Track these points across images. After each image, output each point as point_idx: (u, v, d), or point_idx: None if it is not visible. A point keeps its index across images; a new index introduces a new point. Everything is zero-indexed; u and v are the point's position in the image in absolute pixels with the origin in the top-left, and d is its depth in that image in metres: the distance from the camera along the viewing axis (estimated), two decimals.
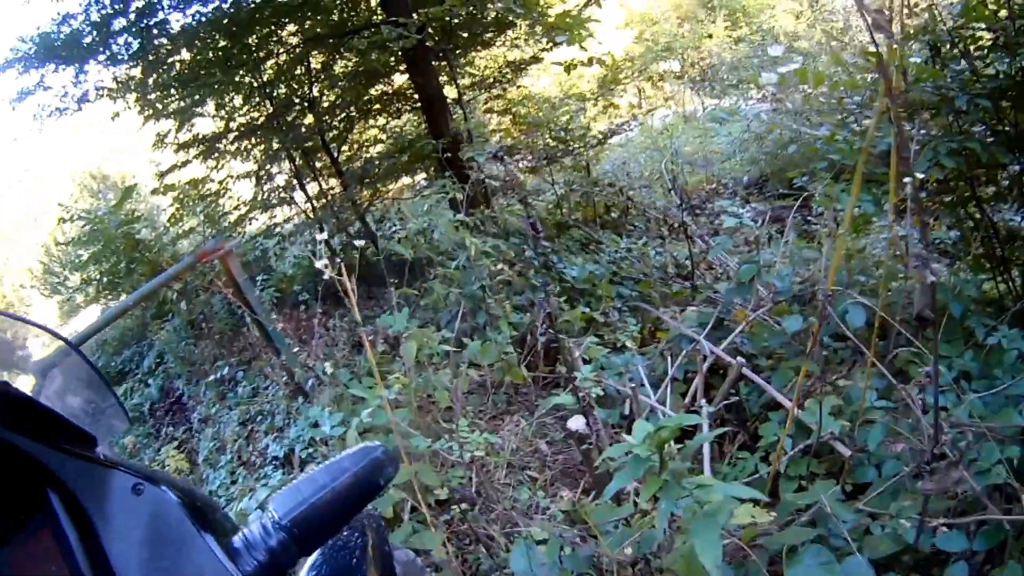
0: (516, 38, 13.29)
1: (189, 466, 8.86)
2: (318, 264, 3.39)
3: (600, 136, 12.55)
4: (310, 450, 6.69)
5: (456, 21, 11.68)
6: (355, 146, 14.40)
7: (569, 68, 10.16)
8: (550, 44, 12.35)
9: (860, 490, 4.26)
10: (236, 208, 13.58)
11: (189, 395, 10.91)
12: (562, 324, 7.08)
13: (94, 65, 11.23)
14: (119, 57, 11.23)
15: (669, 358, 6.18)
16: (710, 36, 23.30)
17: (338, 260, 3.82)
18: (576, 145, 12.48)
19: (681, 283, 8.76)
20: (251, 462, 7.85)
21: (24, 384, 1.73)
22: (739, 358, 5.13)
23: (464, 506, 4.83)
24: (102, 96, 11.43)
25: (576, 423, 4.75)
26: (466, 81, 13.12)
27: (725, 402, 5.21)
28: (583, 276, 8.07)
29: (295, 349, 8.04)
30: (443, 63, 11.96)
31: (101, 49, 10.97)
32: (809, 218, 9.97)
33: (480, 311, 7.30)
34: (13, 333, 1.83)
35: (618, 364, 6.19)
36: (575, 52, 10.89)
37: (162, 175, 12.93)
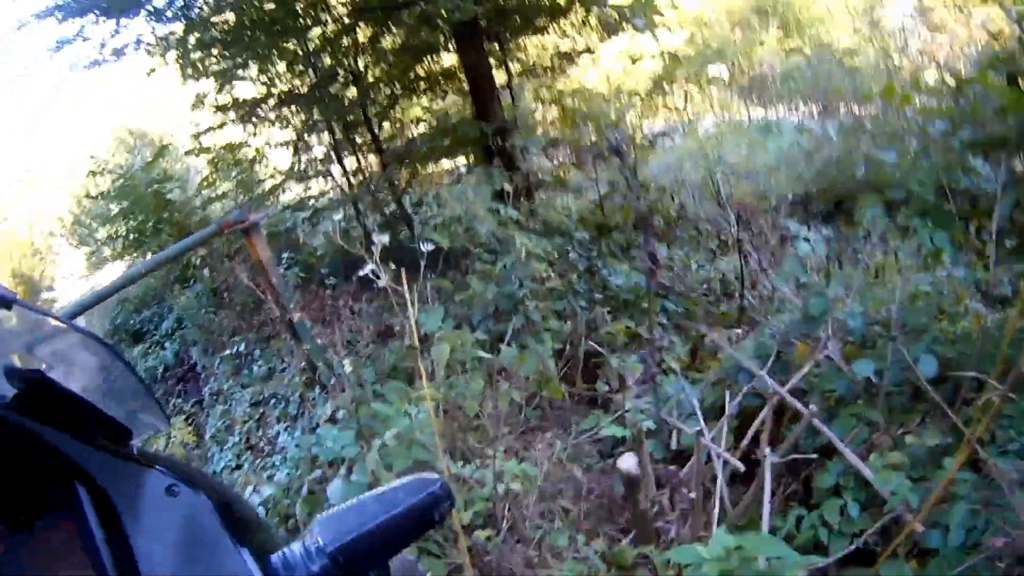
0: (570, 26, 12.57)
1: (196, 439, 8.45)
2: (366, 269, 2.95)
3: (651, 137, 11.93)
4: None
5: (511, 3, 11.22)
6: (397, 124, 13.93)
7: (636, 60, 9.57)
8: (605, 35, 12.12)
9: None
10: (271, 176, 13.29)
11: (204, 365, 10.48)
12: (604, 336, 6.51)
13: (135, 19, 10.85)
14: (162, 13, 10.94)
15: (727, 392, 5.58)
16: (762, 44, 22.58)
17: (375, 245, 3.39)
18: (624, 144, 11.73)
19: (728, 303, 8.15)
20: (259, 447, 7.46)
21: (60, 375, 1.48)
22: (811, 406, 4.53)
23: (489, 532, 4.34)
24: (140, 50, 11.08)
25: (627, 463, 4.21)
26: (515, 67, 12.62)
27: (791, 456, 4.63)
28: (628, 286, 7.47)
29: (315, 334, 7.55)
30: (494, 45, 11.62)
31: (143, 3, 10.64)
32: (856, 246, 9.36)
33: (517, 313, 6.77)
34: (53, 327, 1.63)
35: (668, 392, 5.61)
36: (631, 45, 10.45)
37: (197, 136, 12.64)
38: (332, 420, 6.20)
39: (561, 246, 7.90)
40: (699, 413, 5.03)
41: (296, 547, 1.46)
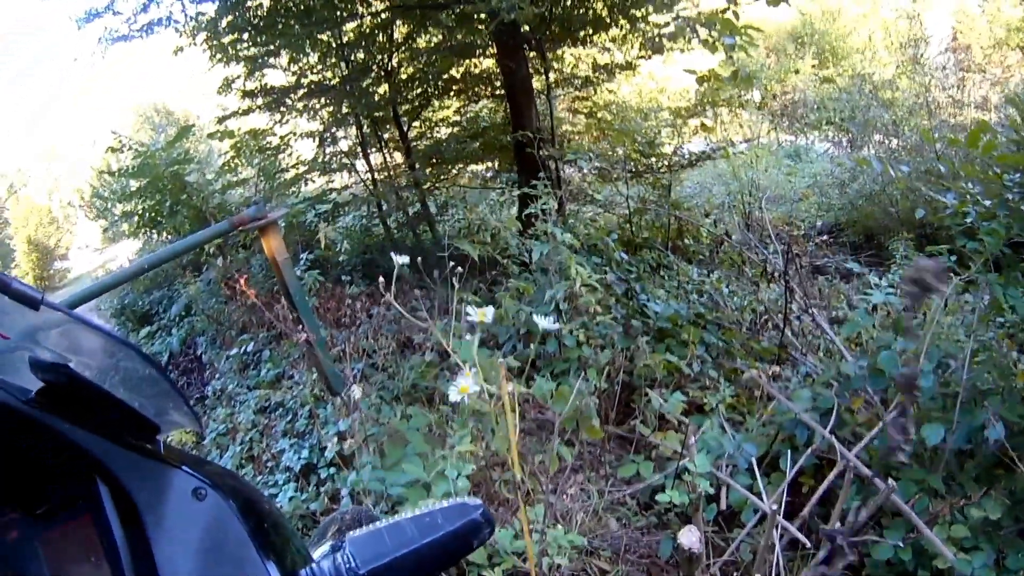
0: (610, 40, 12.12)
1: (195, 440, 7.88)
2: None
3: (691, 157, 11.35)
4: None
5: (556, 11, 10.66)
6: (427, 124, 13.53)
7: (703, 80, 8.96)
8: (647, 53, 11.53)
9: None
10: (295, 167, 12.80)
11: (210, 358, 9.89)
12: (642, 369, 5.86)
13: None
14: None
15: (777, 444, 4.95)
16: (797, 71, 22.07)
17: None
18: (660, 162, 11.40)
19: (766, 335, 7.50)
20: (262, 460, 6.85)
21: (88, 372, 1.35)
22: (890, 481, 3.90)
23: None
24: (168, 27, 10.66)
25: (689, 539, 3.58)
26: (551, 76, 12.01)
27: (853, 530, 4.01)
28: (667, 314, 6.81)
29: (329, 337, 6.95)
30: (534, 53, 10.97)
31: None
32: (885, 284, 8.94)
33: (550, 337, 6.14)
34: (80, 329, 1.40)
35: (723, 445, 4.96)
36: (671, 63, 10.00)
37: (222, 119, 12.16)
38: (341, 438, 5.60)
39: (599, 266, 7.25)
40: (759, 477, 4.38)
41: (326, 564, 1.38)
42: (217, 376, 9.31)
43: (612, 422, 5.78)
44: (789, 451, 4.58)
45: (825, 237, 13.44)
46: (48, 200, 44.55)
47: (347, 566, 1.35)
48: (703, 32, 7.72)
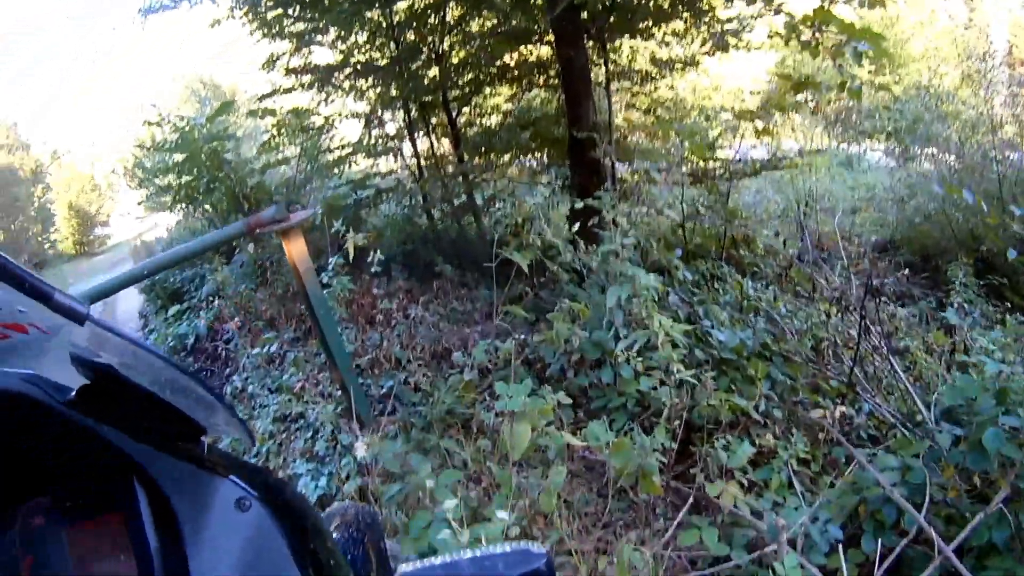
0: (672, 34, 11.47)
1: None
2: None
3: (756, 164, 10.61)
4: None
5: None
6: (477, 111, 12.95)
7: (801, 87, 8.24)
8: (712, 49, 11.03)
9: None
10: (339, 148, 12.41)
11: (236, 345, 9.20)
12: (705, 408, 5.06)
13: None
14: None
15: (867, 523, 4.20)
16: (854, 77, 21.17)
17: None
18: (722, 167, 10.71)
19: (833, 368, 6.67)
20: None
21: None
22: None
23: None
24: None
25: None
26: (610, 68, 11.36)
27: None
28: (732, 344, 6.00)
29: (360, 340, 6.25)
30: (592, 43, 10.39)
31: None
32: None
33: (605, 365, 5.39)
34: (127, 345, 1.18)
35: (797, 513, 4.21)
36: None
37: (263, 97, 11.80)
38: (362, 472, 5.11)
39: (661, 284, 6.50)
40: (843, 562, 3.62)
41: None
42: (240, 370, 8.63)
43: (669, 467, 4.99)
44: (873, 528, 4.05)
45: (879, 254, 12.63)
46: (91, 167, 44.54)
47: None
48: (807, 33, 6.89)
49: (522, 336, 6.80)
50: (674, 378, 4.87)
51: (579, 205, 6.51)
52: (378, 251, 7.26)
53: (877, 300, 7.46)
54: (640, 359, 5.42)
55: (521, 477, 4.30)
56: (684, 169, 10.27)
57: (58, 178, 43.08)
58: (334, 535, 1.98)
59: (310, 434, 6.33)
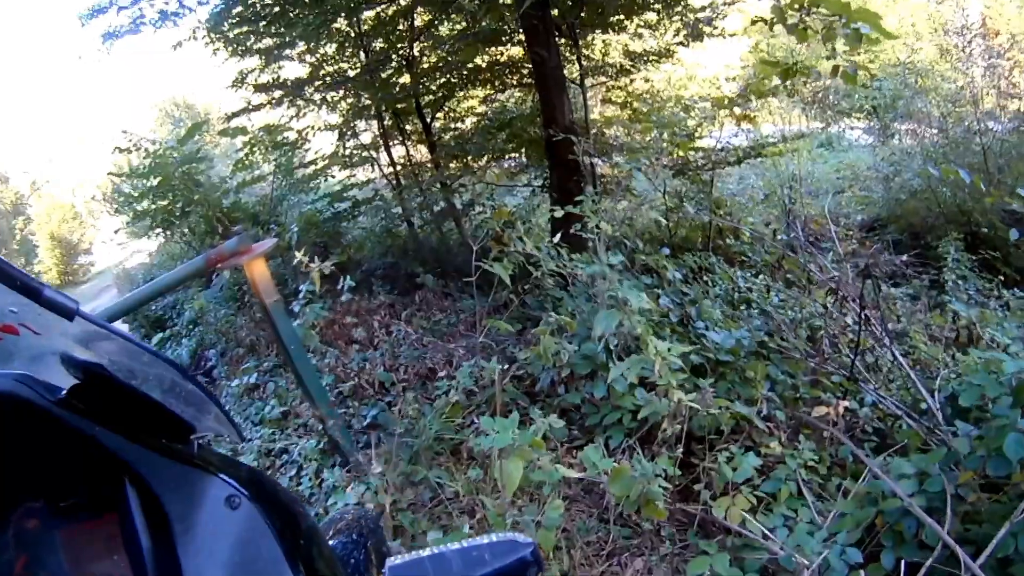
0: (645, 26, 11.41)
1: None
2: None
3: (738, 152, 10.37)
4: None
5: None
6: (450, 115, 12.73)
7: (789, 73, 7.95)
8: (686, 39, 10.97)
9: None
10: (313, 162, 12.15)
11: (220, 373, 8.88)
12: (705, 419, 4.71)
13: None
14: None
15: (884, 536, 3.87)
16: (828, 58, 20.92)
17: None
18: (703, 157, 10.58)
19: (832, 363, 6.32)
20: None
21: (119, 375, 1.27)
22: None
23: None
24: (169, 21, 9.74)
25: None
26: (583, 65, 11.18)
27: None
28: (727, 345, 5.65)
29: (339, 362, 5.92)
30: (564, 40, 10.16)
31: None
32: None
33: (597, 379, 5.05)
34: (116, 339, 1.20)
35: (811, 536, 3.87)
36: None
37: (231, 116, 11.46)
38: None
39: (650, 287, 6.18)
40: None
41: None
42: (223, 399, 8.28)
43: (672, 488, 4.64)
44: (892, 541, 3.75)
45: (866, 234, 12.39)
46: (72, 196, 44.38)
47: None
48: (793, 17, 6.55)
49: (509, 349, 6.52)
50: (673, 401, 4.51)
51: (559, 214, 6.16)
52: (347, 277, 6.90)
53: (875, 283, 7.17)
54: (632, 370, 5.09)
55: (516, 510, 3.98)
56: (665, 161, 10.00)
57: (39, 209, 42.89)
58: (337, 539, 2.10)
59: (295, 471, 5.97)
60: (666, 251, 7.45)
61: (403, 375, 6.92)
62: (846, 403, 5.16)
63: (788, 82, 9.96)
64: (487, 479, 4.37)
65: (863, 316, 5.73)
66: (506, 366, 5.70)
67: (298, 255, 5.43)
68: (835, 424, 4.98)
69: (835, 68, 5.99)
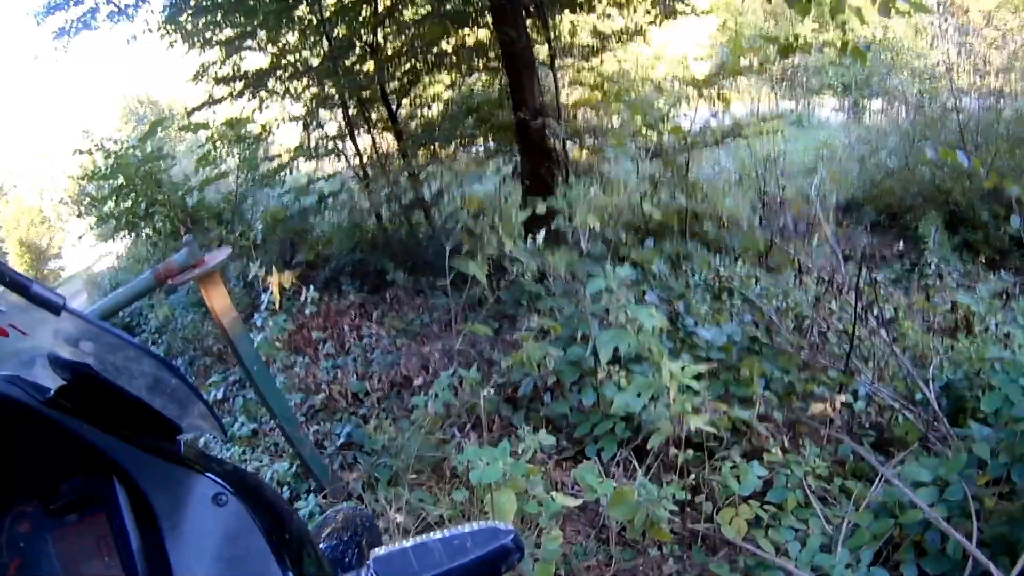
0: (614, 3, 10.99)
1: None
2: None
3: (717, 133, 10.19)
4: None
5: None
6: (417, 101, 12.40)
7: (788, 50, 7.65)
8: (658, 18, 10.68)
9: None
10: (278, 155, 11.88)
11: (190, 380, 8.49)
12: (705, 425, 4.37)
13: None
14: None
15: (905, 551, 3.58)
16: (796, 36, 20.83)
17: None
18: (679, 139, 10.09)
19: (825, 357, 6.02)
20: None
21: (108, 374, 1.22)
22: None
23: None
24: (121, 17, 9.59)
25: None
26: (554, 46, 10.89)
27: None
28: (719, 342, 5.32)
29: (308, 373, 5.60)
30: (531, 21, 9.80)
31: None
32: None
33: (585, 386, 4.71)
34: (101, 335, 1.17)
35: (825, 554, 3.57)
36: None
37: (192, 110, 11.18)
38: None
39: (635, 282, 5.83)
40: None
41: None
42: None
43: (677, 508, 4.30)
44: (913, 555, 3.50)
45: (843, 214, 12.24)
46: (40, 199, 43.89)
47: None
48: None
49: (487, 351, 6.20)
50: (685, 431, 4.13)
51: (541, 208, 5.77)
52: (310, 287, 6.53)
53: (869, 272, 6.94)
54: (623, 372, 4.74)
55: None
56: (638, 144, 9.86)
57: (7, 215, 42.34)
58: (331, 538, 2.05)
59: None
60: (651, 243, 7.19)
61: (377, 384, 6.49)
62: (842, 398, 4.91)
63: (764, 60, 9.77)
64: (474, 500, 4.00)
65: (860, 308, 5.46)
66: (487, 369, 5.41)
67: (254, 268, 5.10)
68: (832, 422, 4.79)
69: (844, 44, 5.71)
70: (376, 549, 1.32)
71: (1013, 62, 13.94)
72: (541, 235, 5.64)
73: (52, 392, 1.16)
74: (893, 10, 5.06)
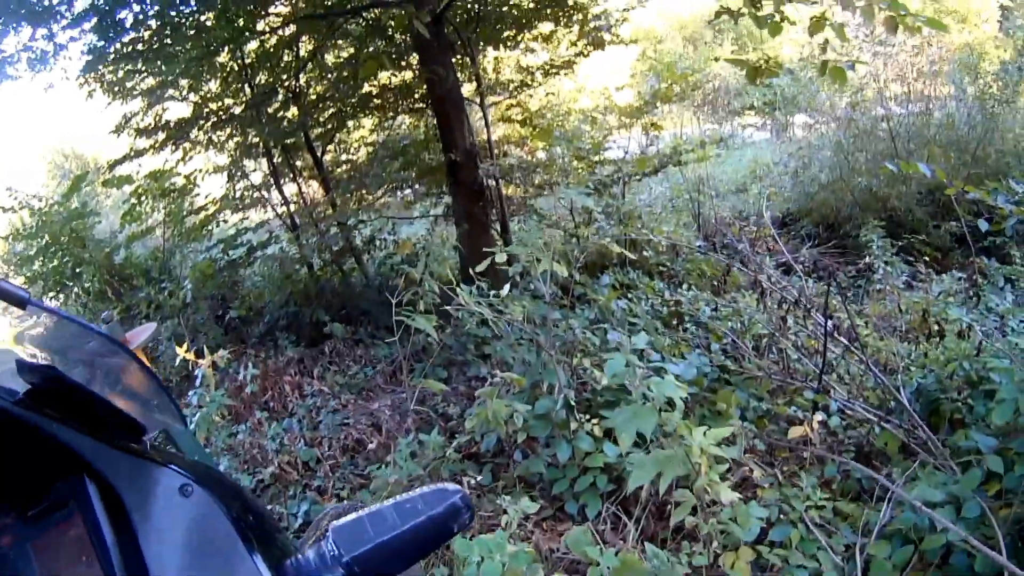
0: (538, 38, 10.87)
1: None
2: None
3: (656, 160, 10.01)
4: None
5: (484, 8, 9.54)
6: (342, 147, 12.26)
7: (755, 72, 7.30)
8: (587, 49, 10.38)
9: None
10: (204, 207, 11.31)
11: None
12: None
13: (57, 29, 8.65)
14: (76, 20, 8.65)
15: None
16: (716, 59, 21.05)
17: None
18: (613, 171, 10.08)
19: (793, 376, 5.73)
20: None
21: (73, 372, 1.55)
22: None
23: None
24: (42, 66, 8.83)
25: None
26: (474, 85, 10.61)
27: None
28: (689, 376, 4.95)
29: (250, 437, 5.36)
30: (459, 58, 9.69)
31: (63, 11, 8.49)
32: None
33: (558, 441, 4.32)
34: (67, 327, 1.58)
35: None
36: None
37: (113, 164, 10.58)
38: None
39: (592, 322, 5.52)
40: None
41: (310, 554, 1.35)
42: None
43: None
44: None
45: (779, 230, 12.21)
46: None
47: (331, 554, 1.30)
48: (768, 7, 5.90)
49: (440, 405, 5.82)
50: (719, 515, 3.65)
51: (500, 258, 5.30)
52: (250, 364, 6.12)
53: (838, 289, 6.71)
54: (595, 422, 4.34)
55: None
56: (570, 178, 9.80)
57: None
58: (319, 540, 1.86)
59: None
60: (605, 280, 6.91)
61: (328, 450, 5.96)
62: (819, 417, 4.63)
63: (696, 88, 9.61)
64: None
65: (830, 325, 5.19)
66: (443, 424, 5.01)
67: (180, 351, 4.69)
68: (811, 443, 4.50)
69: (824, 64, 5.47)
70: (335, 521, 1.36)
71: (936, 66, 14.04)
72: (485, 279, 5.30)
73: (22, 395, 1.23)
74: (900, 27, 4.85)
